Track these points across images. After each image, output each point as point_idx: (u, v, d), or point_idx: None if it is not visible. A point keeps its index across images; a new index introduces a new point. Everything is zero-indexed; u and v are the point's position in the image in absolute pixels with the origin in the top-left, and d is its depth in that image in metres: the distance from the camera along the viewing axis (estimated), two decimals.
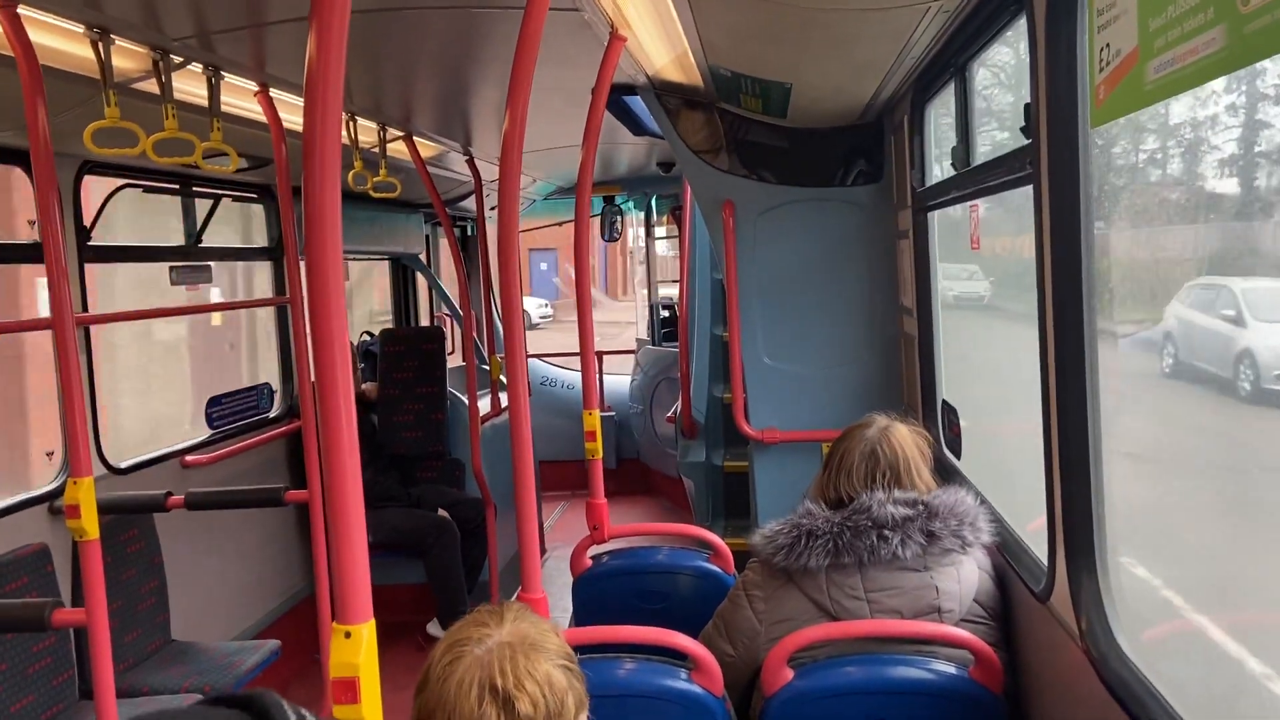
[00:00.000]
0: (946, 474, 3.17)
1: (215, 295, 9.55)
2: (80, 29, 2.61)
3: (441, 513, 5.68)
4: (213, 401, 4.85)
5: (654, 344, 8.66)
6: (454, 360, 7.13)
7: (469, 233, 7.92)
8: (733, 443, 5.81)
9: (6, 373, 9.50)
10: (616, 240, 8.76)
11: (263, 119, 3.46)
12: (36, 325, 3.57)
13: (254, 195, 5.17)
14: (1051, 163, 1.89)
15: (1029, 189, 2.04)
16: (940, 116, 3.40)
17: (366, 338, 6.91)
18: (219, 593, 4.68)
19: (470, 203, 6.83)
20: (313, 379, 1.47)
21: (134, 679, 3.78)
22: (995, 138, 3.13)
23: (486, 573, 5.69)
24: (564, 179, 7.59)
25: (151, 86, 2.94)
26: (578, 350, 3.38)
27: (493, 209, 6.46)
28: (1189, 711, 1.58)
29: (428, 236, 7.56)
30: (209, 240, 4.84)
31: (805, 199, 4.00)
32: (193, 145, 2.95)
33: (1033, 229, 2.01)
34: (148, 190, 4.44)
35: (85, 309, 3.90)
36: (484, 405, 5.92)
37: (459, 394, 6.07)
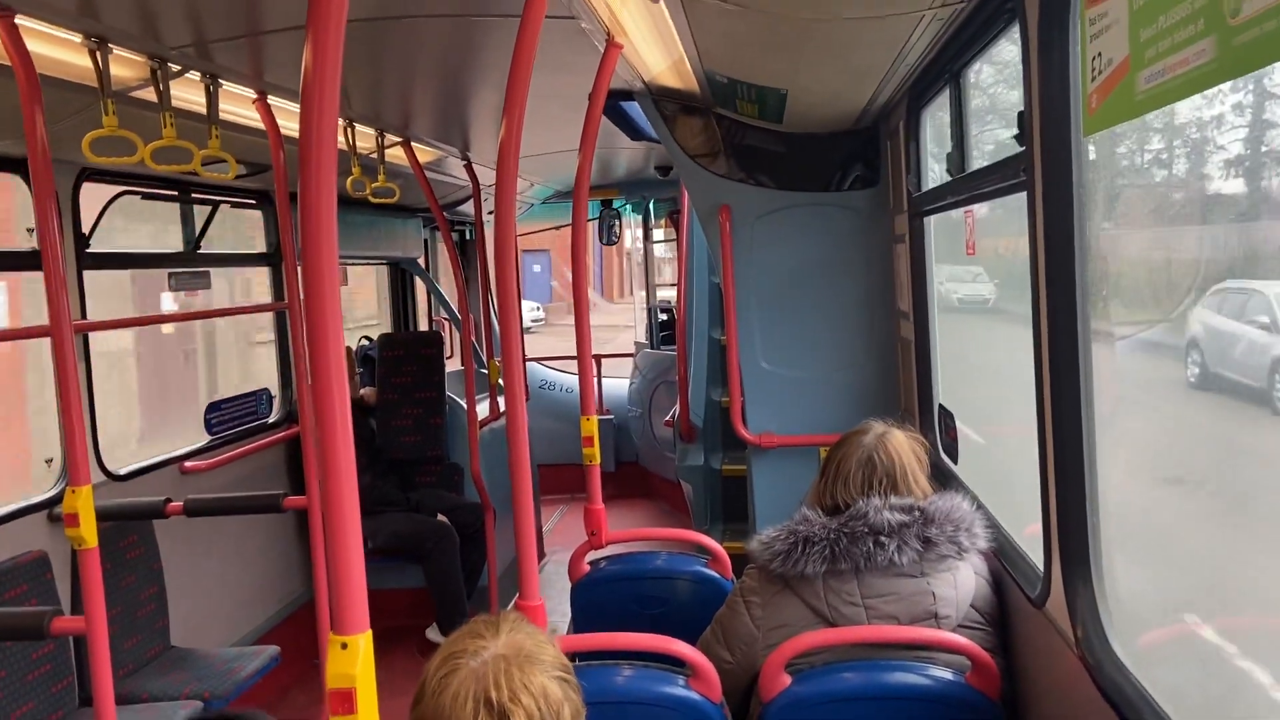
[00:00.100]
0: (943, 478, 3.18)
1: (168, 302, 9.10)
2: (78, 39, 2.62)
3: (440, 518, 5.69)
4: (211, 407, 4.86)
5: (652, 347, 8.67)
6: (453, 364, 7.14)
7: (467, 237, 7.93)
8: (731, 446, 5.82)
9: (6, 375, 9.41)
10: (614, 244, 8.77)
11: (261, 126, 3.47)
12: (35, 333, 3.56)
13: (252, 201, 5.18)
14: (1045, 170, 1.90)
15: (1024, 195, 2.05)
16: (940, 119, 3.39)
17: (365, 342, 6.92)
18: (218, 599, 4.68)
19: (468, 207, 6.84)
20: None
21: (133, 685, 3.78)
22: (999, 136, 3.10)
23: (486, 577, 5.70)
24: (562, 183, 7.61)
25: (150, 95, 2.95)
26: (575, 354, 3.39)
27: (490, 213, 6.47)
28: (1183, 717, 1.58)
29: (426, 241, 7.57)
30: (208, 246, 4.85)
31: (802, 204, 4.01)
32: (190, 153, 2.96)
33: (1038, 231, 2.01)
34: (146, 197, 4.45)
35: (84, 316, 3.91)
36: (483, 409, 5.92)
37: (458, 398, 6.07)
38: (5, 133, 3.18)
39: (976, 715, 2.21)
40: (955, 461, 3.29)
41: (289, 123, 3.52)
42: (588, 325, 3.27)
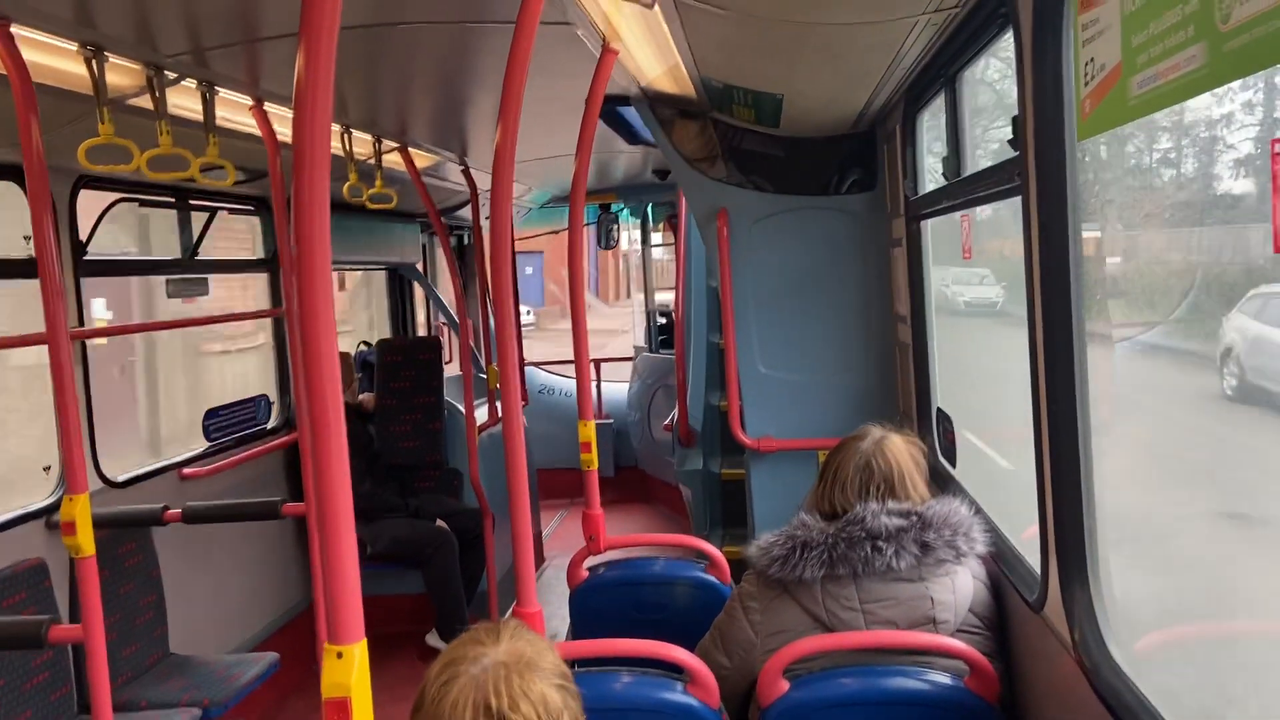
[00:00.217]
0: (941, 482, 3.18)
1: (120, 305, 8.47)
2: (74, 47, 2.62)
3: (440, 523, 5.68)
4: (210, 414, 4.86)
5: (651, 351, 8.66)
6: (452, 369, 7.14)
7: (465, 242, 7.93)
8: (730, 450, 5.81)
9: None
10: (612, 248, 8.77)
11: (257, 132, 3.47)
12: (32, 340, 3.55)
13: (250, 208, 5.19)
14: (1039, 175, 1.90)
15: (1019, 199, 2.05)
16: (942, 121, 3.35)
17: (364, 348, 6.92)
18: (217, 605, 4.68)
19: (466, 212, 6.85)
20: None
21: (132, 693, 3.78)
22: (1006, 134, 3.06)
23: (485, 582, 5.69)
24: (559, 188, 7.61)
25: (146, 102, 2.96)
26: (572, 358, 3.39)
27: (488, 218, 6.46)
28: None
29: (424, 246, 7.57)
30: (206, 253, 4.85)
31: (799, 207, 4.01)
32: (187, 161, 2.96)
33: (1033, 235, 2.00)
34: (144, 204, 4.45)
35: (81, 323, 3.91)
36: (482, 414, 5.92)
37: (457, 403, 6.07)
38: (2, 140, 3.18)
39: (975, 719, 2.21)
40: (953, 465, 3.28)
41: (286, 129, 3.53)
42: (585, 329, 3.27)
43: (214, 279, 5.09)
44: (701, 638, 2.61)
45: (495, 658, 1.41)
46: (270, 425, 5.30)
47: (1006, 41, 2.39)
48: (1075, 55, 1.64)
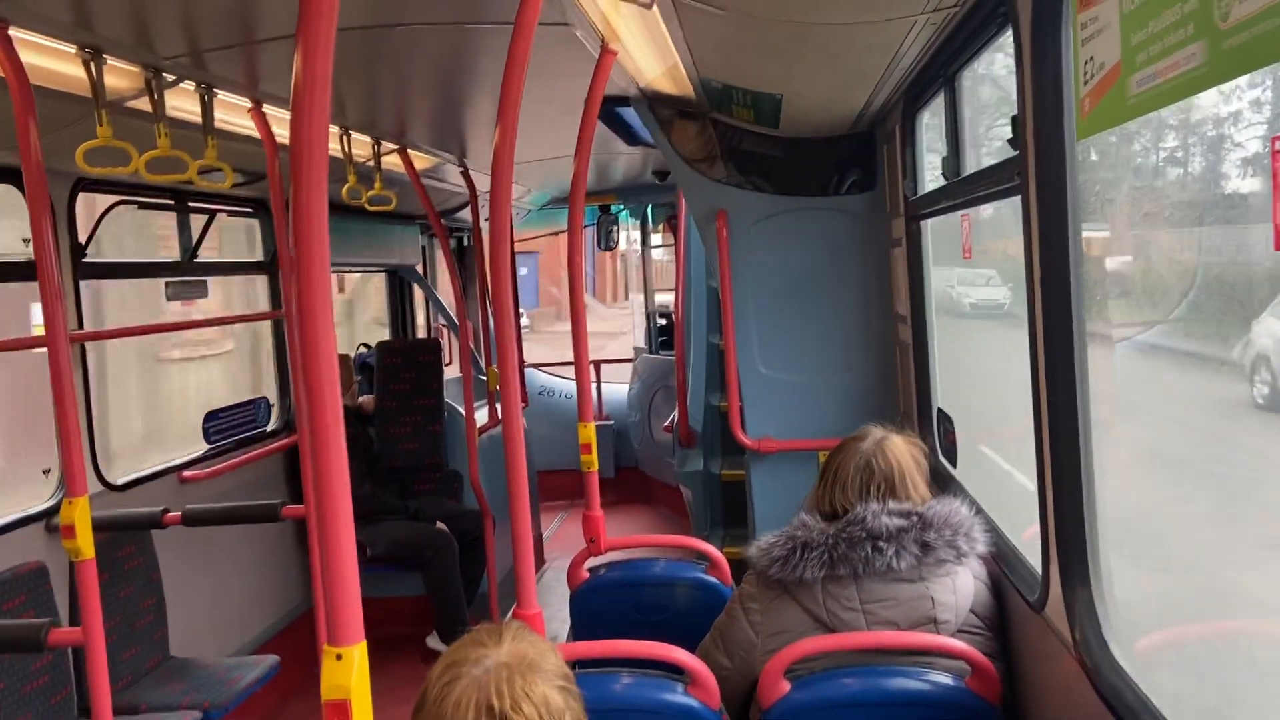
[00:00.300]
0: (942, 482, 3.17)
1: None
2: (72, 49, 2.62)
3: (440, 525, 5.68)
4: (210, 416, 4.85)
5: (651, 352, 8.66)
6: (452, 371, 7.14)
7: (465, 244, 7.93)
8: (730, 451, 5.81)
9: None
10: (612, 249, 8.77)
11: (256, 134, 3.47)
12: (31, 343, 3.56)
13: (249, 210, 5.18)
14: (1039, 174, 1.90)
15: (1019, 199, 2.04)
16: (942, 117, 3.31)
17: (363, 350, 6.91)
18: (218, 608, 4.67)
19: (466, 213, 6.85)
20: None
21: (132, 696, 3.78)
22: (1010, 130, 3.00)
23: (485, 584, 5.69)
24: (559, 189, 7.61)
25: (145, 105, 2.96)
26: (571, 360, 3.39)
27: (487, 220, 6.46)
28: None
29: (424, 248, 7.57)
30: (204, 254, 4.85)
31: (799, 208, 4.01)
32: (185, 163, 2.96)
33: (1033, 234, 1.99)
34: (143, 207, 4.45)
35: (80, 326, 3.90)
36: (482, 416, 5.92)
37: (457, 405, 6.07)
38: (0, 143, 3.18)
39: (976, 719, 2.21)
40: (954, 465, 3.28)
41: (284, 131, 3.52)
42: (585, 331, 3.27)
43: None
44: (702, 639, 2.60)
45: (497, 659, 1.41)
46: (270, 428, 5.29)
47: (1009, 39, 2.38)
48: (1074, 54, 1.64)
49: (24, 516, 3.56)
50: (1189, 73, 1.25)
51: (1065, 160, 1.84)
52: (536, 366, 9.35)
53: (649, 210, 8.75)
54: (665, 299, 8.90)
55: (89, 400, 3.94)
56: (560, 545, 7.53)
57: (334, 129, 4.01)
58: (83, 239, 3.93)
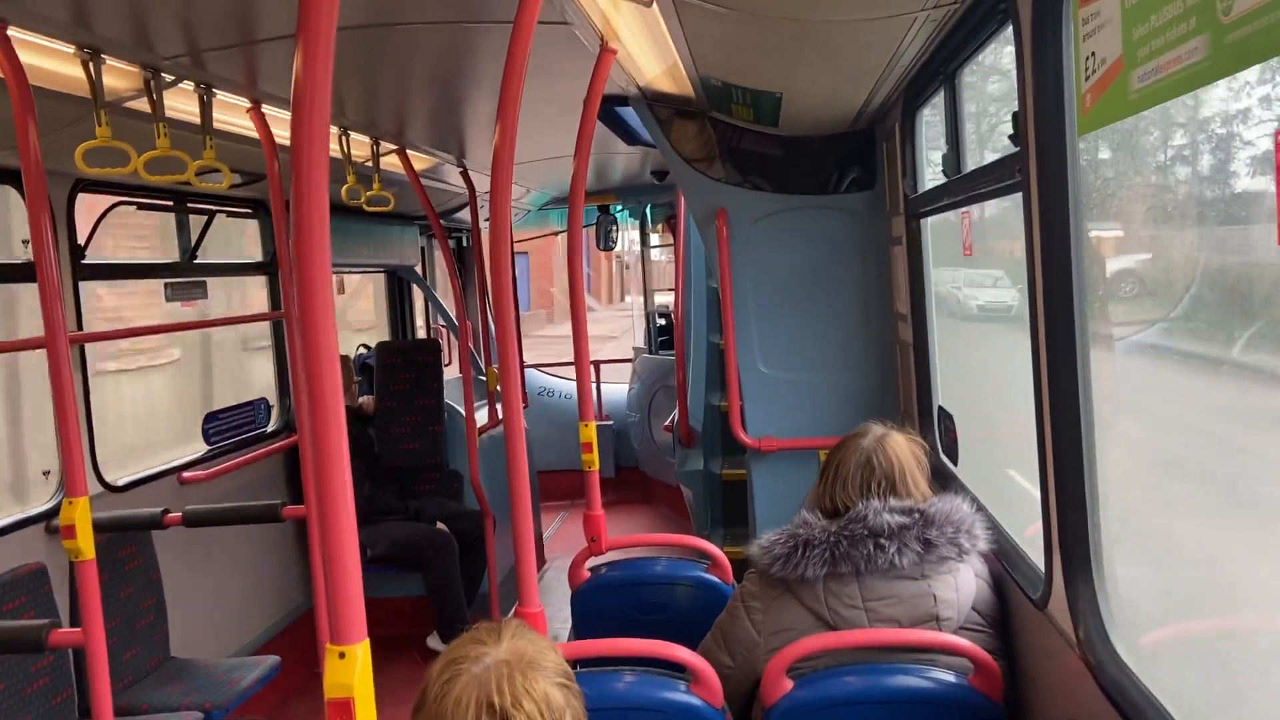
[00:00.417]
0: (943, 480, 3.17)
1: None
2: (71, 49, 2.62)
3: (440, 525, 5.68)
4: (209, 417, 4.85)
5: (651, 352, 8.66)
6: (451, 372, 7.14)
7: (464, 244, 7.93)
8: (731, 451, 5.81)
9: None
10: (611, 249, 8.77)
11: (255, 135, 3.47)
12: (31, 344, 3.55)
13: (248, 210, 5.18)
14: (1040, 170, 1.90)
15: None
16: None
17: (363, 350, 6.91)
18: (218, 609, 4.67)
19: (465, 214, 6.84)
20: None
21: (133, 697, 3.77)
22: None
23: (486, 585, 5.69)
24: (558, 189, 7.61)
25: (144, 105, 2.95)
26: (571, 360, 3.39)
27: (487, 220, 6.46)
28: (1185, 718, 1.58)
29: (423, 249, 7.57)
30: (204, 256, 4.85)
31: (799, 206, 4.00)
32: (184, 164, 2.96)
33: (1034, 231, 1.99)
34: (142, 207, 4.45)
35: (80, 327, 3.90)
36: (482, 416, 5.92)
37: (457, 406, 6.07)
38: (0, 144, 3.18)
39: (979, 717, 2.20)
40: (955, 463, 3.28)
41: (283, 131, 3.52)
42: (585, 331, 3.27)
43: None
44: (704, 638, 2.60)
45: (497, 656, 1.40)
46: (270, 429, 5.29)
47: (1009, 34, 2.37)
48: (1075, 50, 1.64)
49: (24, 518, 3.56)
50: (1191, 67, 1.24)
51: (1066, 156, 1.83)
52: (536, 367, 9.36)
53: (648, 210, 8.75)
54: (664, 299, 8.91)
55: (88, 402, 3.94)
56: (561, 545, 7.53)
57: (333, 129, 4.01)
58: (82, 240, 3.93)
